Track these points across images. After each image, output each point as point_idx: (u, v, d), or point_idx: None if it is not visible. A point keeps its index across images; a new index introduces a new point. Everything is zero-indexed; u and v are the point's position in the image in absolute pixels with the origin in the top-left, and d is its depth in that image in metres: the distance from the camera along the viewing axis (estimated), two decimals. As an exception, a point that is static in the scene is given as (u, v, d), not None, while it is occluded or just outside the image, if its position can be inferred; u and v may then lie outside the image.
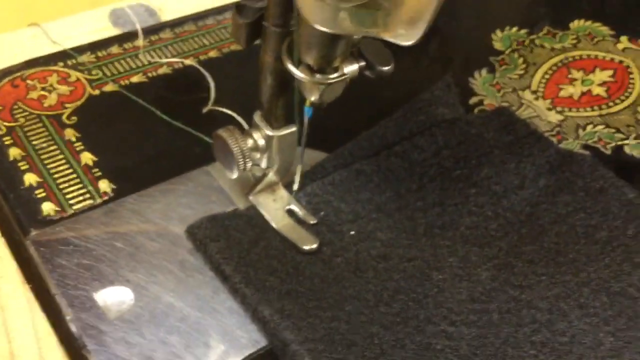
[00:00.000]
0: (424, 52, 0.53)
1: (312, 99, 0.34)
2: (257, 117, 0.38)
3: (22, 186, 0.40)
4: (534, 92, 0.51)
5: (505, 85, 0.51)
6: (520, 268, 0.39)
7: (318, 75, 0.32)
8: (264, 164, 0.40)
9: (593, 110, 0.50)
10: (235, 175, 0.39)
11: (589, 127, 0.49)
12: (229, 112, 0.44)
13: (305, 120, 0.36)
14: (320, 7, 0.27)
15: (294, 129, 0.38)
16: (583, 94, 0.51)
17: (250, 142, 0.38)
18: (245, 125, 0.43)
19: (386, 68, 0.34)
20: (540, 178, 0.44)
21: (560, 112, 0.50)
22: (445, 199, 0.42)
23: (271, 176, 0.41)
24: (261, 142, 0.39)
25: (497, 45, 0.55)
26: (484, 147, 0.45)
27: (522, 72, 0.53)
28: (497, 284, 0.38)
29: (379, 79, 0.35)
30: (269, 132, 0.38)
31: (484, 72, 0.52)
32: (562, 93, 0.51)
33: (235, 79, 0.46)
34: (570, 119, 0.49)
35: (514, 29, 0.56)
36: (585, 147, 0.47)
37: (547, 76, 0.52)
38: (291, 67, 0.32)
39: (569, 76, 0.53)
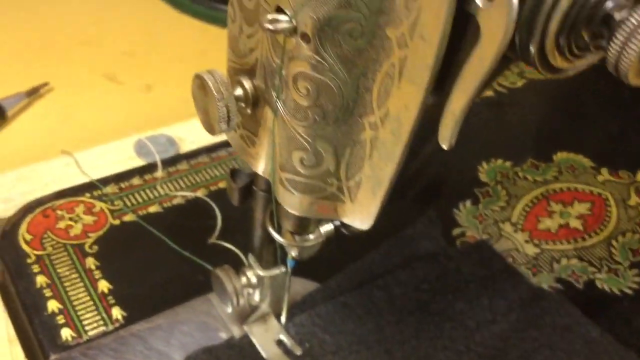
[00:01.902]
0: (412, 183, 0.59)
1: (293, 254, 0.39)
2: (250, 257, 0.44)
3: (45, 312, 0.45)
4: (514, 225, 0.55)
5: (488, 217, 0.56)
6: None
7: (297, 237, 0.38)
8: (257, 298, 0.45)
9: (569, 243, 0.54)
10: (230, 310, 0.44)
11: (564, 261, 0.53)
12: (230, 246, 0.49)
13: (289, 269, 0.41)
14: (290, 196, 0.32)
15: (283, 269, 0.43)
16: (561, 226, 0.55)
17: (244, 279, 0.44)
18: (244, 259, 0.48)
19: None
20: (512, 313, 0.48)
21: (537, 245, 0.54)
22: (422, 333, 0.46)
23: (264, 308, 0.46)
24: (253, 279, 0.44)
25: (483, 177, 0.59)
26: (460, 282, 0.49)
27: (504, 204, 0.57)
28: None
29: (354, 236, 0.39)
30: (260, 272, 0.43)
31: (468, 203, 0.57)
32: (541, 226, 0.55)
33: (240, 211, 0.52)
34: (547, 252, 0.53)
35: (500, 160, 0.61)
36: (559, 280, 0.51)
37: (527, 208, 0.57)
38: (272, 232, 0.38)
39: (549, 209, 0.57)
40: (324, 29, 0.26)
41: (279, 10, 0.28)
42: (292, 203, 0.33)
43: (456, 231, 0.54)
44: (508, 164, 0.61)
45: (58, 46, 0.80)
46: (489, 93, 0.69)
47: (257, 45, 0.30)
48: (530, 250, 0.53)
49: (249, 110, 0.32)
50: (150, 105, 0.72)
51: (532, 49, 0.25)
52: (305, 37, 0.27)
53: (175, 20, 0.85)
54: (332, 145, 0.30)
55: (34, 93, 0.74)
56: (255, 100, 0.32)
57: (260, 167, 0.34)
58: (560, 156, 0.62)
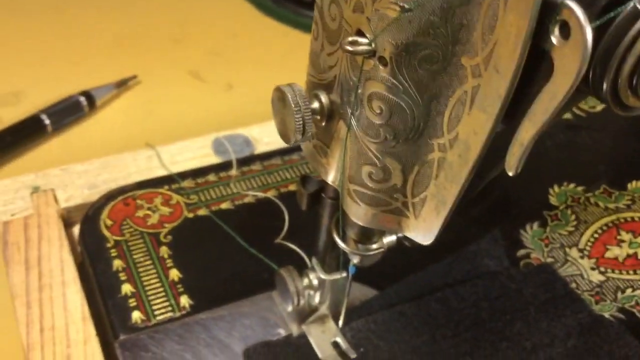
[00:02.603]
0: (480, 200, 0.59)
1: (355, 262, 0.40)
2: (314, 260, 0.45)
3: (119, 294, 0.48)
4: (581, 250, 0.55)
5: (554, 241, 0.56)
6: None
7: (360, 246, 0.39)
8: (317, 300, 0.47)
9: (635, 273, 0.53)
10: (290, 309, 0.45)
11: (628, 291, 0.52)
12: (295, 247, 0.51)
13: (350, 275, 0.42)
14: (356, 207, 0.34)
15: (344, 274, 0.45)
16: (629, 256, 0.55)
17: (306, 281, 0.45)
18: (307, 261, 0.50)
19: (426, 243, 0.40)
20: (570, 339, 0.48)
21: (602, 273, 0.53)
22: (476, 350, 0.47)
23: (323, 310, 0.47)
24: (315, 282, 0.45)
25: (553, 200, 0.59)
26: (520, 303, 0.50)
27: (572, 229, 0.57)
28: None
29: (415, 248, 0.41)
30: (322, 276, 0.45)
31: (535, 225, 0.57)
32: (608, 254, 0.55)
33: (307, 215, 0.54)
34: (612, 281, 0.53)
35: (572, 185, 0.60)
36: (621, 310, 0.51)
37: (596, 235, 0.56)
38: (337, 239, 0.39)
39: (618, 237, 0.56)
40: (401, 54, 0.27)
41: (360, 33, 0.29)
42: (358, 213, 0.34)
43: (521, 252, 0.54)
44: (580, 189, 0.60)
45: (148, 42, 0.84)
46: (566, 116, 0.68)
47: (337, 63, 0.32)
48: (595, 277, 0.53)
49: (323, 123, 0.33)
50: (229, 104, 0.74)
51: (605, 86, 0.26)
52: (382, 60, 0.28)
53: (260, 23, 0.88)
54: (400, 162, 0.31)
55: (122, 85, 0.78)
56: (330, 114, 0.33)
57: (330, 177, 0.36)
58: (635, 185, 0.61)
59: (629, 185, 0.61)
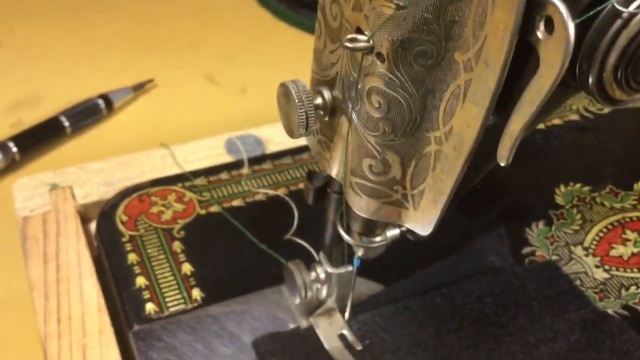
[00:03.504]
0: (487, 201, 0.60)
1: (359, 254, 0.42)
2: (321, 255, 0.47)
3: (133, 287, 0.50)
4: (586, 249, 0.56)
5: (560, 239, 0.56)
6: (538, 417, 0.44)
7: (364, 238, 0.40)
8: (324, 293, 0.48)
9: (640, 272, 0.54)
10: (297, 301, 0.47)
11: (632, 288, 0.53)
12: (304, 243, 0.52)
13: (355, 268, 0.44)
14: (358, 199, 0.35)
15: (350, 268, 0.46)
16: (633, 254, 0.55)
17: (313, 274, 0.47)
18: (315, 255, 0.52)
19: (425, 233, 0.42)
20: (573, 334, 0.49)
21: (607, 271, 0.54)
22: (480, 343, 0.48)
23: (330, 303, 0.49)
24: (322, 275, 0.47)
25: (559, 200, 0.60)
26: (524, 299, 0.50)
27: (577, 227, 0.58)
28: None
29: (421, 245, 0.42)
30: (329, 269, 0.46)
31: (541, 224, 0.58)
32: (613, 252, 0.56)
33: (315, 212, 0.55)
34: (616, 278, 0.54)
35: (578, 185, 0.61)
36: (625, 307, 0.52)
37: (601, 234, 0.57)
38: (341, 231, 0.40)
39: (623, 236, 0.57)
40: (397, 50, 0.29)
41: (359, 30, 0.30)
42: (360, 205, 0.35)
43: (526, 250, 0.55)
44: (586, 188, 0.61)
45: (165, 46, 0.86)
46: (573, 117, 0.69)
47: (338, 60, 0.33)
48: (600, 275, 0.54)
49: (326, 118, 0.35)
50: (243, 107, 0.76)
51: (591, 80, 0.27)
52: (380, 56, 0.30)
53: (275, 28, 0.90)
54: (399, 155, 0.33)
55: (139, 88, 0.80)
56: (333, 109, 0.35)
57: (334, 171, 0.37)
58: (641, 185, 0.61)
59: (635, 186, 0.61)
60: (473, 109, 0.28)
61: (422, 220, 0.34)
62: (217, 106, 0.77)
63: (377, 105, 0.31)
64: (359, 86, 0.32)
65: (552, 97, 0.26)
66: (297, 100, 0.32)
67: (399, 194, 0.34)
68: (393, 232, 0.41)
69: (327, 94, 0.34)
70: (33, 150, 0.73)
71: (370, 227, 0.39)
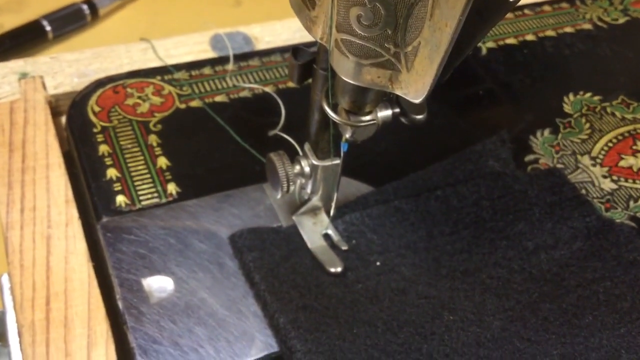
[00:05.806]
0: (492, 106, 0.56)
1: (347, 136, 0.38)
2: (306, 146, 0.43)
3: (103, 178, 0.46)
4: (593, 159, 0.52)
5: (566, 148, 0.53)
6: (533, 323, 0.41)
7: (351, 117, 0.36)
8: (309, 190, 0.44)
9: (650, 183, 0.50)
10: (279, 195, 0.43)
11: (641, 200, 0.49)
12: (289, 138, 0.48)
13: (342, 153, 0.40)
14: (345, 61, 0.31)
15: (337, 161, 0.42)
16: (644, 166, 0.52)
17: (297, 168, 0.43)
18: (300, 151, 0.48)
19: (419, 117, 0.38)
20: (576, 241, 0.45)
21: (615, 182, 0.50)
22: (474, 247, 0.44)
23: (315, 201, 0.45)
24: (307, 169, 0.43)
25: (567, 109, 0.56)
26: (524, 204, 0.47)
27: (585, 137, 0.54)
28: (507, 334, 0.40)
29: (413, 126, 0.38)
30: (314, 162, 0.42)
31: (546, 132, 0.54)
32: (622, 163, 0.52)
33: (304, 110, 0.51)
34: (624, 189, 0.50)
35: (588, 94, 0.57)
36: (632, 218, 0.48)
37: (610, 144, 0.53)
38: (327, 109, 0.36)
39: (634, 147, 0.53)
40: None
41: None
42: (347, 68, 0.31)
43: (529, 157, 0.52)
44: (597, 98, 0.57)
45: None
46: (586, 26, 0.64)
47: None
48: (607, 185, 0.50)
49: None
50: (236, 17, 0.71)
51: None
52: None
53: None
54: (392, 2, 0.28)
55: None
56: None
57: (319, 33, 0.33)
58: (655, 96, 0.57)
59: (648, 97, 0.57)
60: None
61: (415, 84, 0.30)
62: (209, 16, 0.72)
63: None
64: None
65: None
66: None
67: (391, 52, 0.30)
68: (384, 113, 0.37)
69: None
70: (12, 55, 0.69)
71: (359, 103, 0.35)
